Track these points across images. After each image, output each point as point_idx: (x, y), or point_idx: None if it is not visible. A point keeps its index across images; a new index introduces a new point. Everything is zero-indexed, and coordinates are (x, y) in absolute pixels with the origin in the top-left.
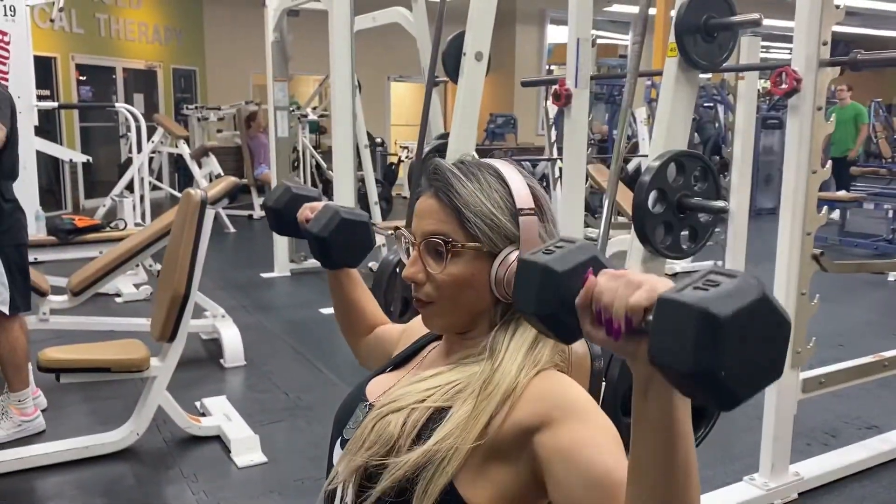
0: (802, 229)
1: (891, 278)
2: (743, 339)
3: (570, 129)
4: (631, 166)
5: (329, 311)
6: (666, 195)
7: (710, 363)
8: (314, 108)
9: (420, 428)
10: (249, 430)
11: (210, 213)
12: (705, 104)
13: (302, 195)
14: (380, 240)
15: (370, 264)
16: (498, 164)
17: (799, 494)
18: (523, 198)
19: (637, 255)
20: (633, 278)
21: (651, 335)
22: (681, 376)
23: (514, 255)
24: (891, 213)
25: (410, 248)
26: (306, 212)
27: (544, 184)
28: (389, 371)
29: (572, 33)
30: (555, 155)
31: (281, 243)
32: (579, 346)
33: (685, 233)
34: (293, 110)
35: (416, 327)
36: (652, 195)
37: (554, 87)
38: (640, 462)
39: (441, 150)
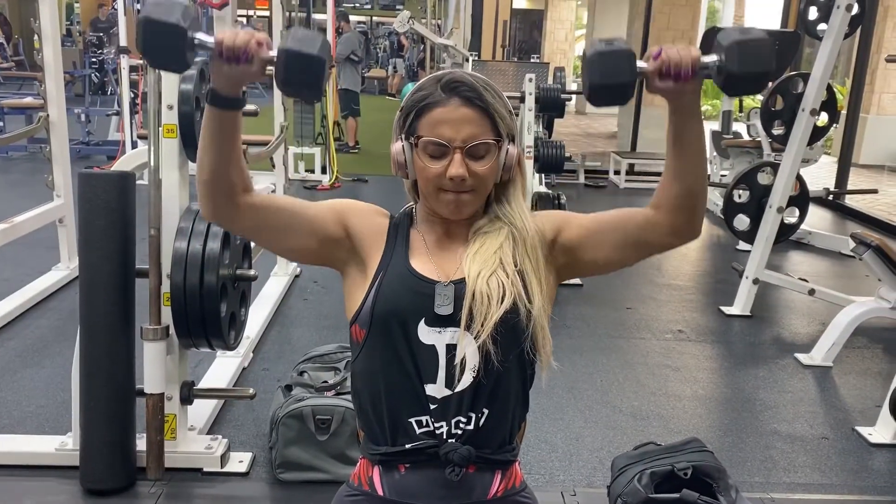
0: None
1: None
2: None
3: None
4: None
5: None
6: None
7: (772, 64)
8: None
9: (521, 282)
10: None
11: None
12: None
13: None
14: None
15: None
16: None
17: None
18: (509, 102)
19: None
20: (682, 46)
21: (733, 57)
22: (756, 77)
23: (512, 148)
24: (83, 118)
25: (446, 153)
26: (254, 38)
27: None
28: (410, 261)
29: None
30: None
31: None
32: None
33: None
34: None
35: (366, 220)
36: None
37: None
38: (686, 161)
39: None
